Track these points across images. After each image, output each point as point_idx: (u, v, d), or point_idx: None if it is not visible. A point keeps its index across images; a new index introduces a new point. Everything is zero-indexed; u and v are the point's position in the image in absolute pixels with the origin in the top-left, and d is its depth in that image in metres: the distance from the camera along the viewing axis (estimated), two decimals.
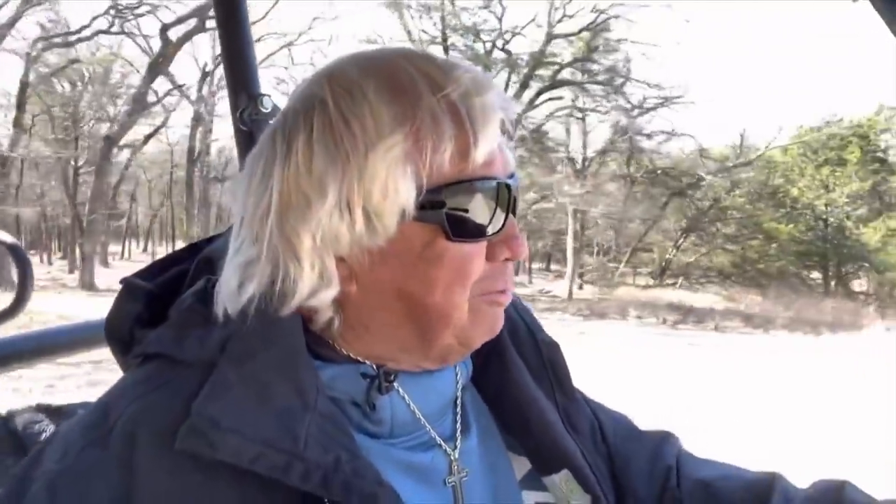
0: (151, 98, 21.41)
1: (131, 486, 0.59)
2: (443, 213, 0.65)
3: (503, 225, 0.68)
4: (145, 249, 36.98)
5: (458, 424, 0.76)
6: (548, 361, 0.84)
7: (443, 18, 22.66)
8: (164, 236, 37.45)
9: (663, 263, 28.00)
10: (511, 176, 0.69)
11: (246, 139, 1.41)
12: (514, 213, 0.70)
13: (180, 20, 19.38)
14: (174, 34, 19.63)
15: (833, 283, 26.33)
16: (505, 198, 0.68)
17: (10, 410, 0.95)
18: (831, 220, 26.53)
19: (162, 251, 29.40)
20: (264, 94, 1.42)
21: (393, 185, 0.63)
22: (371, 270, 0.67)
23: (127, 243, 35.48)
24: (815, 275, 27.18)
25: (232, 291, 0.65)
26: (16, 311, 1.36)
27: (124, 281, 0.74)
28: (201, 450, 0.58)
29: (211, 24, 20.07)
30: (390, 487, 0.62)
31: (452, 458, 0.73)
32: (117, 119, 20.87)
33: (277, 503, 0.60)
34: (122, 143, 22.32)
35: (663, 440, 0.89)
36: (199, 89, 23.26)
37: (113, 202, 25.36)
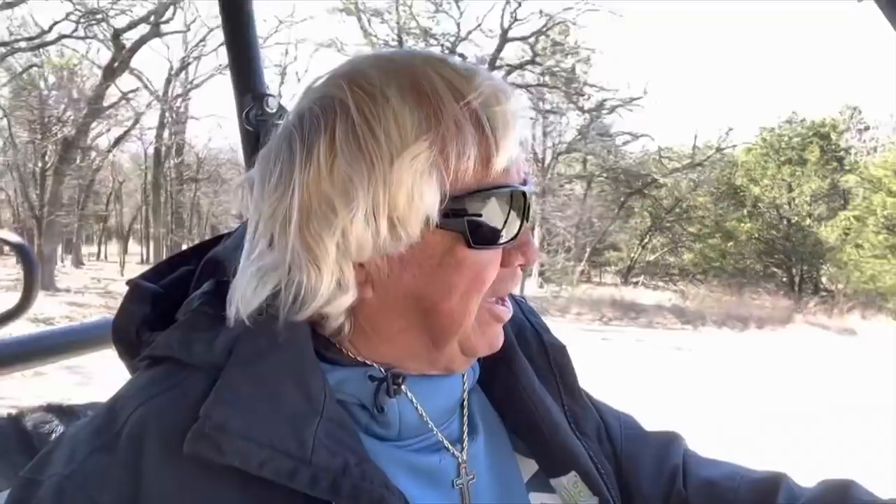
0: (113, 101, 21.84)
1: (138, 490, 0.59)
2: (464, 220, 0.65)
3: (518, 231, 0.69)
4: (125, 250, 37.40)
5: (466, 427, 0.77)
6: (554, 364, 0.84)
7: (398, 23, 23.02)
8: (143, 237, 37.83)
9: (630, 262, 28.32)
10: (525, 182, 0.70)
11: (252, 139, 1.41)
12: (527, 219, 0.70)
13: (131, 25, 19.78)
14: (134, 35, 20.04)
15: (796, 280, 26.61)
16: (520, 204, 0.68)
17: (20, 409, 0.95)
18: (794, 218, 26.81)
19: (139, 251, 29.70)
20: (270, 95, 1.42)
21: (419, 192, 0.63)
22: (390, 276, 0.67)
23: (105, 244, 35.84)
24: (778, 272, 27.45)
25: (247, 296, 0.65)
26: (22, 310, 1.36)
27: (131, 282, 0.74)
28: (209, 454, 0.58)
29: (167, 27, 20.52)
30: (398, 490, 0.63)
31: (460, 460, 0.74)
32: (76, 122, 21.25)
33: None
34: (91, 145, 22.74)
35: (670, 440, 0.90)
36: (166, 91, 23.65)
37: (85, 203, 25.71)
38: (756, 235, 26.44)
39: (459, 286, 0.67)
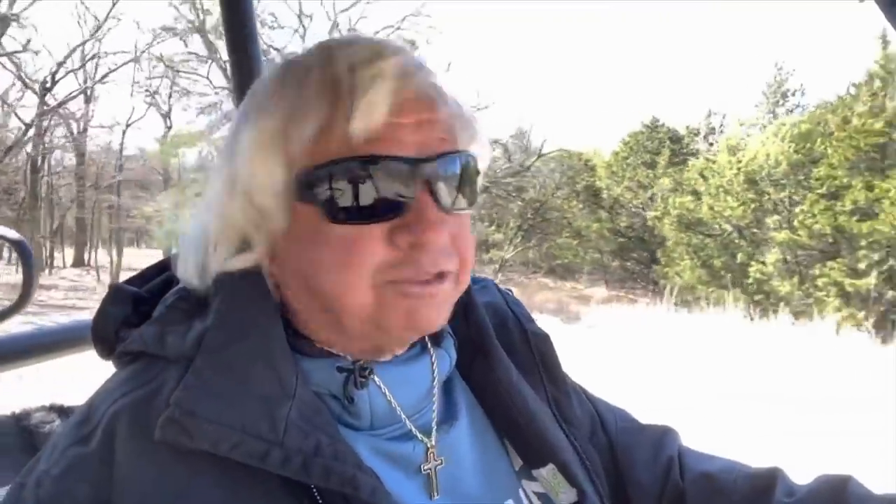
0: None
1: (113, 479, 0.60)
2: (317, 193, 0.64)
3: (399, 208, 0.64)
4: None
5: (435, 416, 0.76)
6: (537, 353, 0.85)
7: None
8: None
9: (501, 261, 30.05)
10: (431, 156, 0.65)
11: None
12: (434, 196, 0.65)
13: None
14: None
15: (644, 273, 28.55)
16: (399, 176, 0.64)
17: (24, 409, 0.96)
18: (649, 215, 28.75)
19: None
20: None
21: (260, 165, 0.65)
22: (281, 250, 0.69)
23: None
24: (631, 266, 29.37)
25: (189, 265, 0.72)
26: (21, 306, 1.37)
27: (112, 286, 0.75)
28: (180, 440, 0.59)
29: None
30: (369, 469, 0.63)
31: (428, 445, 0.73)
32: None
33: (260, 489, 0.61)
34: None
35: (664, 433, 0.92)
36: (41, 98, 24.71)
37: None
38: (606, 233, 28.27)
39: (327, 262, 0.65)
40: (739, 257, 20.09)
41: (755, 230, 20.34)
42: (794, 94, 26.61)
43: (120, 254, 24.42)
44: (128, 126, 24.16)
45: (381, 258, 0.66)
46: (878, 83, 18.91)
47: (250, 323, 0.66)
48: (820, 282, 17.98)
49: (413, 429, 0.74)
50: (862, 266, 17.14)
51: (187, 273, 0.71)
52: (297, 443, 0.61)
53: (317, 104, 0.64)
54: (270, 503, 0.61)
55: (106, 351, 0.73)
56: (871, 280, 16.80)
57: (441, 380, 0.78)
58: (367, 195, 0.64)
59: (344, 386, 0.70)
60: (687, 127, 30.82)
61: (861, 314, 17.09)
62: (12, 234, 1.43)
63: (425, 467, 0.73)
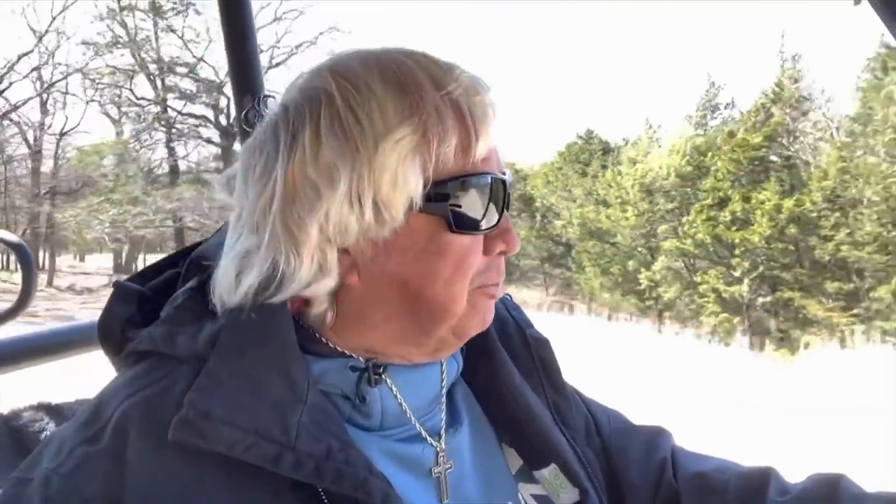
0: None
1: (124, 480, 0.60)
2: (447, 205, 0.66)
3: (499, 219, 0.70)
4: None
5: (444, 419, 0.77)
6: (537, 357, 0.85)
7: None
8: None
9: None
10: (504, 172, 0.71)
11: None
12: (507, 208, 0.71)
13: None
14: None
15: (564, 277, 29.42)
16: (500, 193, 0.70)
17: (12, 409, 0.95)
18: (557, 224, 29.61)
19: None
20: (269, 95, 1.27)
21: (402, 175, 0.65)
22: (374, 262, 0.68)
23: None
24: (559, 271, 30.21)
25: (229, 282, 0.66)
26: (20, 309, 1.36)
27: (116, 284, 0.75)
28: (194, 441, 0.59)
29: None
30: (381, 474, 0.64)
31: (438, 449, 0.74)
32: None
33: (269, 492, 0.61)
34: None
35: (657, 434, 0.92)
36: None
37: None
38: (534, 240, 29.11)
39: (443, 272, 0.68)
40: (631, 265, 20.95)
41: (652, 239, 21.21)
42: (725, 107, 27.52)
43: (53, 258, 25.24)
44: (62, 135, 24.90)
45: (478, 266, 0.70)
46: (763, 98, 19.87)
47: (264, 325, 0.65)
48: (701, 289, 18.82)
49: (423, 431, 0.74)
50: (736, 273, 17.99)
51: (234, 295, 0.66)
52: (308, 447, 0.61)
53: (451, 122, 0.67)
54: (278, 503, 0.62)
55: (112, 350, 0.72)
56: (744, 287, 17.65)
57: (449, 385, 0.79)
58: (483, 208, 0.68)
59: (357, 385, 0.70)
60: (623, 138, 31.70)
61: (736, 319, 17.95)
62: (12, 237, 1.42)
63: (436, 470, 0.74)
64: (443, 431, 0.76)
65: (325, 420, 0.65)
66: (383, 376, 0.71)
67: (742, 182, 18.85)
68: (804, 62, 20.45)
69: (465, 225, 0.68)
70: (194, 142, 25.51)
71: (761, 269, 17.56)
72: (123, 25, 23.54)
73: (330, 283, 0.68)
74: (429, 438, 0.74)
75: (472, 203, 0.68)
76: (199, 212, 23.92)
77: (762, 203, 17.59)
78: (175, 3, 23.66)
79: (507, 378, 0.82)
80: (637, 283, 20.80)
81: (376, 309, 0.70)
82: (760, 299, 17.69)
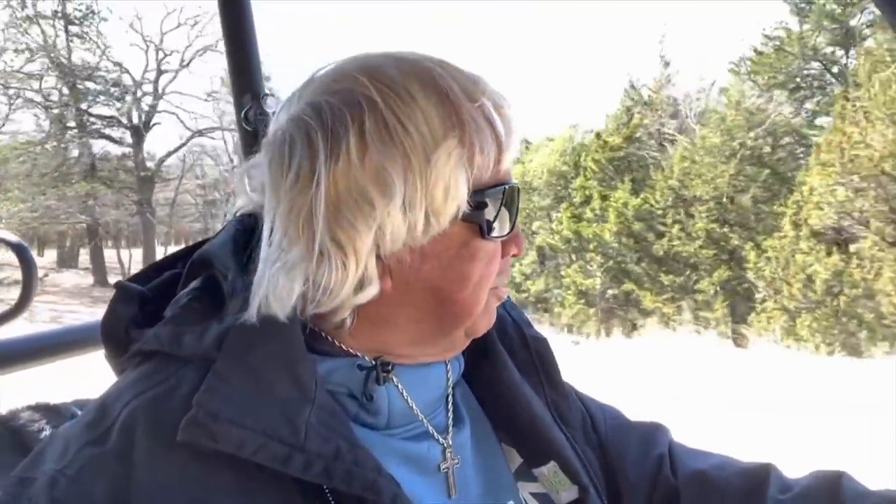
0: None
1: (130, 480, 0.60)
2: (483, 213, 0.69)
3: (514, 224, 0.74)
4: None
5: (451, 416, 0.79)
6: (536, 356, 0.87)
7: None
8: None
9: None
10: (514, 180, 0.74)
11: (250, 139, 1.43)
12: (518, 212, 0.74)
13: None
14: None
15: None
16: (516, 199, 0.73)
17: (10, 410, 0.95)
18: None
19: None
20: (268, 94, 1.45)
21: (454, 186, 0.66)
22: (409, 268, 0.69)
23: None
24: None
25: (279, 294, 0.65)
26: (20, 310, 1.37)
27: (118, 284, 0.75)
28: (202, 441, 0.59)
29: None
30: (389, 475, 0.64)
31: (445, 444, 0.76)
32: None
33: (277, 493, 0.62)
34: None
35: (654, 429, 0.93)
36: None
37: None
38: None
39: (473, 276, 0.70)
40: None
41: (532, 235, 22.25)
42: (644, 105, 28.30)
43: None
44: None
45: (496, 270, 0.74)
46: (626, 100, 20.93)
47: (271, 325, 0.65)
48: (564, 282, 19.86)
49: (430, 428, 0.75)
50: (592, 267, 19.02)
51: (285, 307, 0.65)
52: (317, 447, 0.61)
53: (489, 133, 0.69)
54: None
55: (116, 351, 0.72)
56: (597, 281, 18.66)
57: (453, 383, 0.80)
58: (505, 215, 0.72)
59: (364, 383, 0.71)
60: (548, 137, 32.65)
61: (591, 310, 18.96)
62: (12, 237, 1.43)
63: (443, 466, 0.75)
64: (450, 428, 0.78)
65: (332, 420, 0.65)
66: (391, 374, 0.72)
67: (603, 181, 19.87)
68: (678, 64, 21.51)
69: (493, 231, 0.71)
70: (103, 141, 26.41)
71: (611, 263, 18.60)
72: (28, 33, 24.42)
73: (372, 291, 0.68)
74: (436, 435, 0.76)
75: (501, 210, 0.71)
76: (108, 208, 24.90)
77: (615, 201, 18.61)
78: (81, 9, 24.66)
79: (506, 377, 0.83)
80: (512, 277, 21.83)
81: (402, 312, 0.71)
82: (609, 291, 18.71)
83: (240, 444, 0.60)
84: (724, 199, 16.85)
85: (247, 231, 0.75)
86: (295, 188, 0.66)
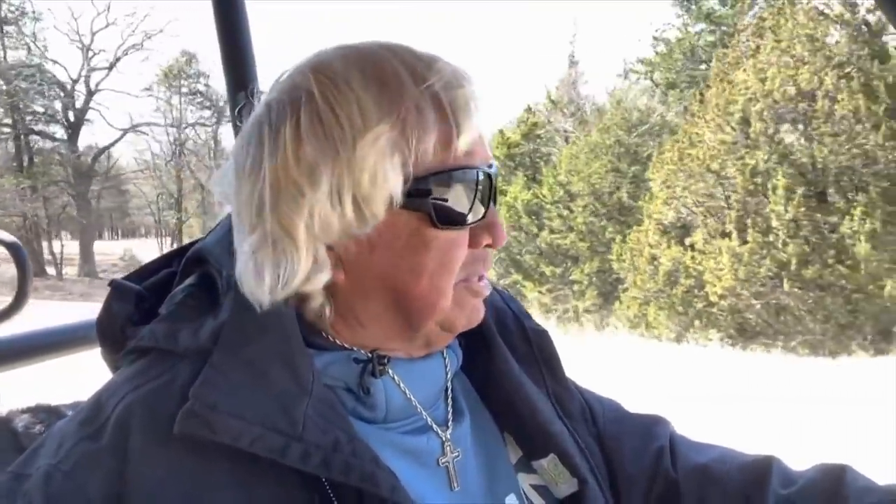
0: None
1: (125, 475, 0.60)
2: (429, 200, 0.67)
3: (485, 212, 0.71)
4: None
5: (450, 410, 0.79)
6: (538, 349, 0.86)
7: None
8: None
9: None
10: (490, 165, 0.72)
11: None
12: (494, 202, 0.72)
13: None
14: None
15: None
16: (486, 186, 0.70)
17: (10, 411, 0.95)
18: None
19: None
20: (263, 92, 1.31)
21: (382, 173, 0.65)
22: (358, 259, 0.69)
23: None
24: None
25: (250, 281, 0.66)
26: (14, 310, 1.37)
27: (113, 282, 0.74)
28: (200, 433, 0.59)
29: None
30: (387, 468, 0.64)
31: (444, 438, 0.75)
32: None
33: (274, 486, 0.62)
34: None
35: (654, 422, 0.92)
36: None
37: None
38: None
39: (427, 267, 0.69)
40: None
41: None
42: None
43: None
44: None
45: (464, 259, 0.71)
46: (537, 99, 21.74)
47: (267, 319, 0.66)
48: None
49: (430, 421, 0.75)
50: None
51: (262, 290, 0.66)
52: (315, 438, 0.62)
53: (431, 117, 0.67)
54: (283, 498, 0.62)
55: (111, 349, 0.73)
56: (491, 272, 19.40)
57: (451, 376, 0.80)
58: (468, 202, 0.69)
59: (360, 376, 0.71)
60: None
61: None
62: (7, 236, 1.41)
63: (443, 460, 0.75)
64: (449, 422, 0.78)
65: (330, 412, 0.65)
66: (387, 368, 0.72)
67: (503, 176, 20.68)
68: (587, 64, 22.26)
69: (449, 219, 0.68)
70: (36, 137, 27.17)
71: (503, 254, 19.45)
72: None
73: (324, 277, 0.68)
74: (436, 428, 0.76)
75: (457, 197, 0.68)
76: (46, 202, 25.65)
77: (509, 196, 19.43)
78: (13, 10, 25.44)
79: (506, 369, 0.83)
80: None
81: (366, 306, 0.71)
82: (501, 282, 19.58)
83: (237, 434, 0.60)
84: (604, 195, 17.65)
85: None
86: (248, 180, 0.68)
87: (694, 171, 13.42)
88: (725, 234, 12.80)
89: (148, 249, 33.13)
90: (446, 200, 0.68)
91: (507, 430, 0.83)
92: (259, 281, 0.66)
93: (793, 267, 11.88)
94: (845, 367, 10.08)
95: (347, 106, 0.67)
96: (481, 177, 0.70)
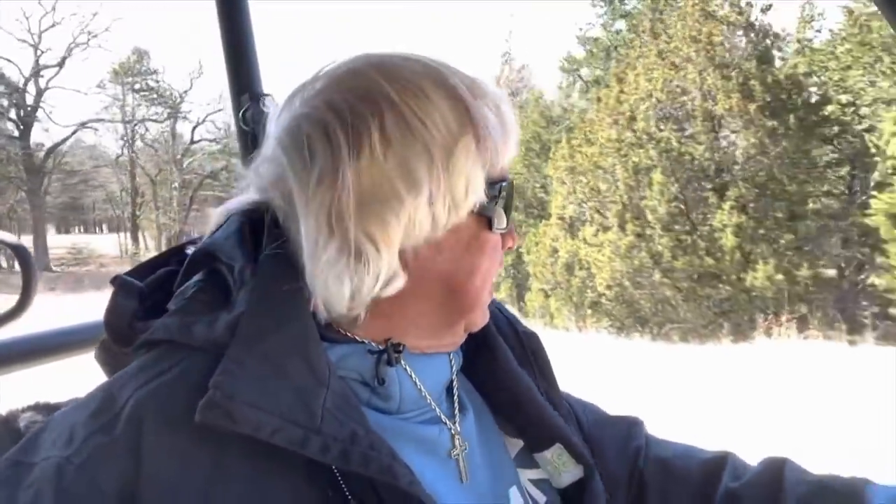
0: None
1: (139, 468, 0.60)
2: (494, 206, 0.72)
3: (510, 219, 0.76)
4: None
5: (456, 403, 0.81)
6: (530, 351, 0.89)
7: None
8: None
9: None
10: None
11: (248, 139, 1.43)
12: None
13: None
14: None
15: None
16: (510, 193, 0.75)
17: (10, 411, 0.93)
18: None
19: None
20: (266, 95, 1.45)
21: (474, 180, 0.69)
22: (425, 261, 0.70)
23: None
24: None
25: (333, 290, 0.67)
26: (19, 311, 1.36)
27: (117, 279, 0.75)
28: (221, 422, 0.59)
29: None
30: (403, 461, 0.65)
31: (454, 431, 0.77)
32: None
33: (290, 479, 0.63)
34: None
35: (632, 423, 0.96)
36: None
37: None
38: None
39: (482, 268, 0.73)
40: None
41: None
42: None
43: None
44: None
45: (500, 262, 0.77)
46: None
47: (283, 312, 0.66)
48: None
49: (440, 412, 0.77)
50: None
51: (340, 300, 0.67)
52: (333, 431, 0.62)
53: (498, 130, 0.71)
54: (296, 490, 0.63)
55: (121, 344, 0.72)
56: None
57: (456, 371, 0.82)
58: (508, 208, 0.74)
59: (375, 367, 0.72)
60: None
61: None
62: (11, 238, 1.43)
63: (454, 452, 0.76)
64: (457, 415, 0.80)
65: (346, 405, 0.65)
66: (400, 357, 0.73)
67: None
68: (523, 60, 22.77)
69: (498, 224, 0.74)
70: None
71: None
72: None
73: (399, 283, 0.69)
74: (445, 420, 0.77)
75: (507, 204, 0.74)
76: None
77: None
78: None
79: (507, 365, 0.85)
80: None
81: (413, 304, 0.72)
82: None
83: (257, 425, 0.60)
84: (520, 189, 18.24)
85: (253, 223, 0.75)
86: (321, 186, 0.66)
87: (586, 168, 13.99)
88: (607, 228, 13.40)
89: (101, 243, 33.49)
90: (506, 206, 0.74)
91: (509, 425, 0.86)
92: (339, 290, 0.67)
93: (665, 259, 12.50)
94: (711, 353, 10.63)
95: (430, 113, 0.68)
96: (511, 185, 0.76)
